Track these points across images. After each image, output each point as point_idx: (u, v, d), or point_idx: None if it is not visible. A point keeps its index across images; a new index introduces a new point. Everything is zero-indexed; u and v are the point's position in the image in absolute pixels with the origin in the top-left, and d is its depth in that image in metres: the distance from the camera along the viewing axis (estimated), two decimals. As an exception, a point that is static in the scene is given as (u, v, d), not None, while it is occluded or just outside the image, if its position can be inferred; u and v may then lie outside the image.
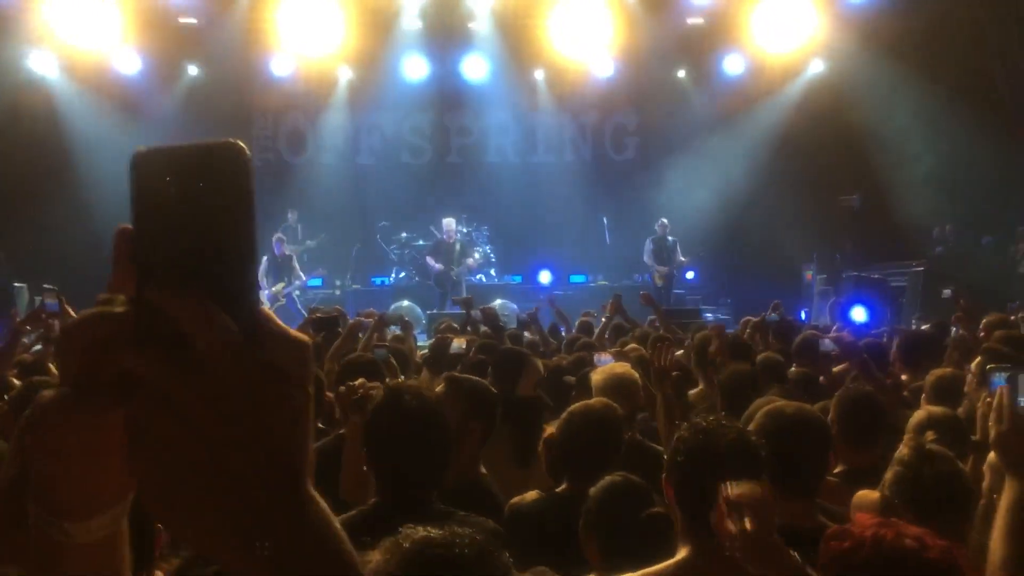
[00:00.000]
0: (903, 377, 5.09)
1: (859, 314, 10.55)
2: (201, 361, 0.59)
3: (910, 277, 12.92)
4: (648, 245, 14.72)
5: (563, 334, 9.27)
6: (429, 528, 1.33)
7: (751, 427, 2.66)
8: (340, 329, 7.16)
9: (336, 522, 0.65)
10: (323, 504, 0.64)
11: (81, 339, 0.61)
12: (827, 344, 5.81)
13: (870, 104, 14.86)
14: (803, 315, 13.70)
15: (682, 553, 2.24)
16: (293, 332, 0.64)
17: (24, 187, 14.36)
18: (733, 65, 16.11)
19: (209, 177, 0.59)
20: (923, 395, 4.19)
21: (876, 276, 12.86)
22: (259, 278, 12.55)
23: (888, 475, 2.49)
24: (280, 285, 13.73)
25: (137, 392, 0.59)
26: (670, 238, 14.68)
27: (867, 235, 15.03)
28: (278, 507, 0.61)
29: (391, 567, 1.27)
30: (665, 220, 14.78)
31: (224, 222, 0.59)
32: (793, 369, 5.10)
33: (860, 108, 15.02)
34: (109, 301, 0.62)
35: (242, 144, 0.59)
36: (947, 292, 11.13)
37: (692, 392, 5.17)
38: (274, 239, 14.01)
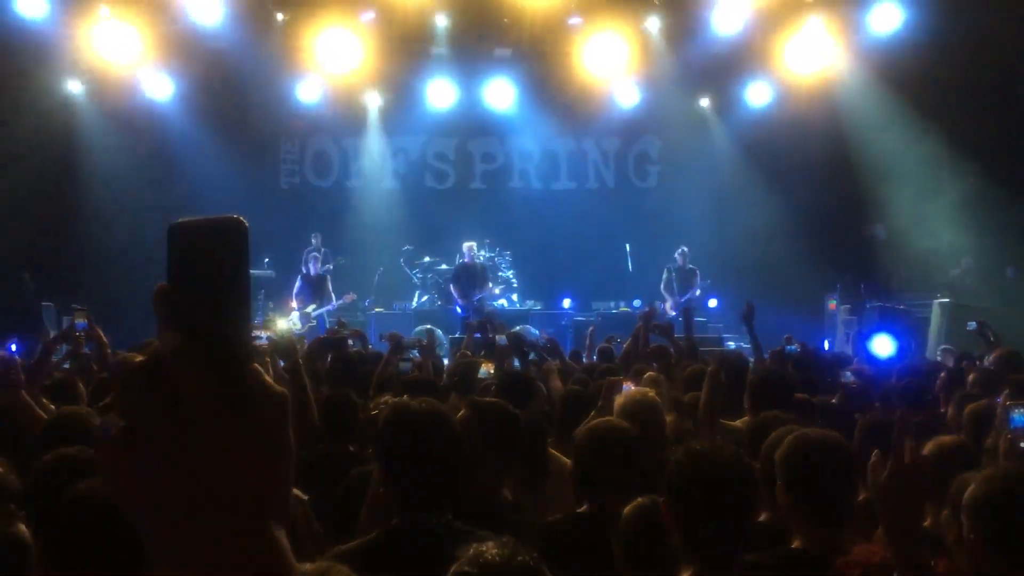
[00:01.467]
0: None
1: (881, 345, 10.41)
2: (190, 416, 0.68)
3: (936, 308, 12.81)
4: (664, 275, 14.72)
5: (583, 361, 9.25)
6: (483, 544, 1.36)
7: (777, 455, 2.66)
8: (362, 350, 7.19)
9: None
10: (285, 553, 0.71)
11: (113, 379, 0.71)
12: (847, 376, 5.76)
13: (895, 134, 14.83)
14: (826, 345, 13.61)
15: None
16: (274, 387, 0.72)
17: (52, 208, 14.64)
18: (756, 94, 16.15)
19: (220, 248, 0.69)
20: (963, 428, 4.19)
21: (901, 307, 12.76)
22: (292, 297, 12.71)
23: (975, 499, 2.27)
24: (312, 306, 13.86)
25: (139, 431, 0.68)
26: (688, 267, 14.65)
27: (892, 265, 14.96)
28: (236, 545, 0.68)
29: None
30: (685, 248, 14.75)
31: (229, 289, 0.69)
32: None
33: (885, 138, 15.00)
34: (143, 347, 0.70)
35: (244, 220, 0.69)
36: (972, 324, 11.01)
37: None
38: (306, 254, 14.19)
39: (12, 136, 14.17)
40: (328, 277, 14.28)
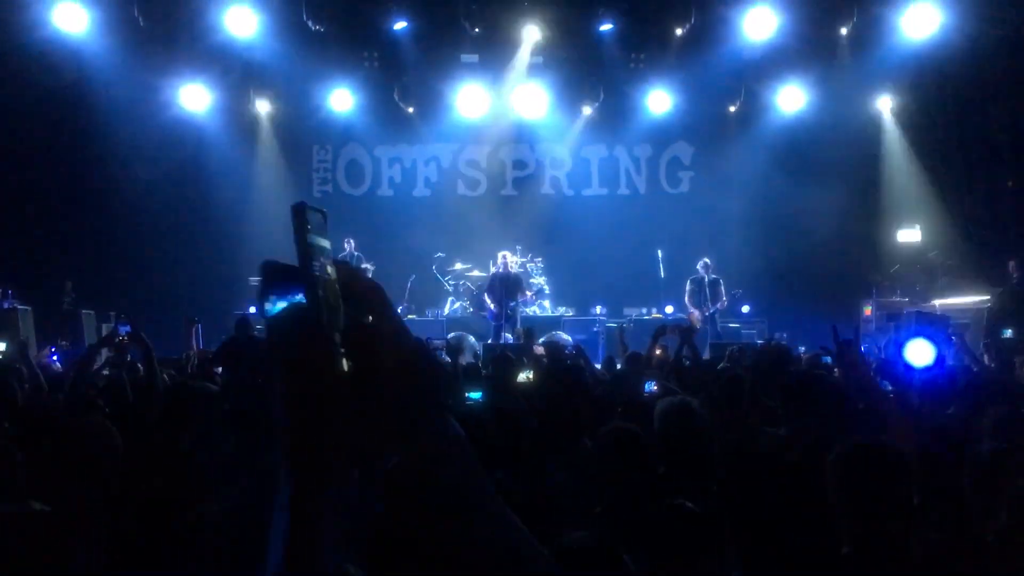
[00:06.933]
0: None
1: (917, 352, 10.21)
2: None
3: (974, 314, 12.64)
4: (687, 286, 14.60)
5: (618, 368, 9.24)
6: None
7: (829, 460, 2.66)
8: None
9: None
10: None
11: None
12: (885, 385, 5.67)
13: (933, 135, 14.68)
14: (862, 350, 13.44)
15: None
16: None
17: (91, 218, 14.92)
18: (789, 99, 16.04)
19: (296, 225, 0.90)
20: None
21: (938, 312, 12.59)
22: None
23: None
24: None
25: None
26: (712, 276, 14.53)
27: (929, 269, 14.79)
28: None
29: None
30: (707, 260, 14.63)
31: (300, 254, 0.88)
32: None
33: (922, 139, 14.86)
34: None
35: (300, 203, 0.90)
36: (1008, 332, 10.85)
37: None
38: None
39: (52, 148, 14.50)
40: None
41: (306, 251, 0.84)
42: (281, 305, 0.83)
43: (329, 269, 0.84)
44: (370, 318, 0.89)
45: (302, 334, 0.84)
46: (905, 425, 4.02)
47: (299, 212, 0.86)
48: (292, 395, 0.83)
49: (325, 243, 0.86)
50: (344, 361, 0.82)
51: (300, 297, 0.83)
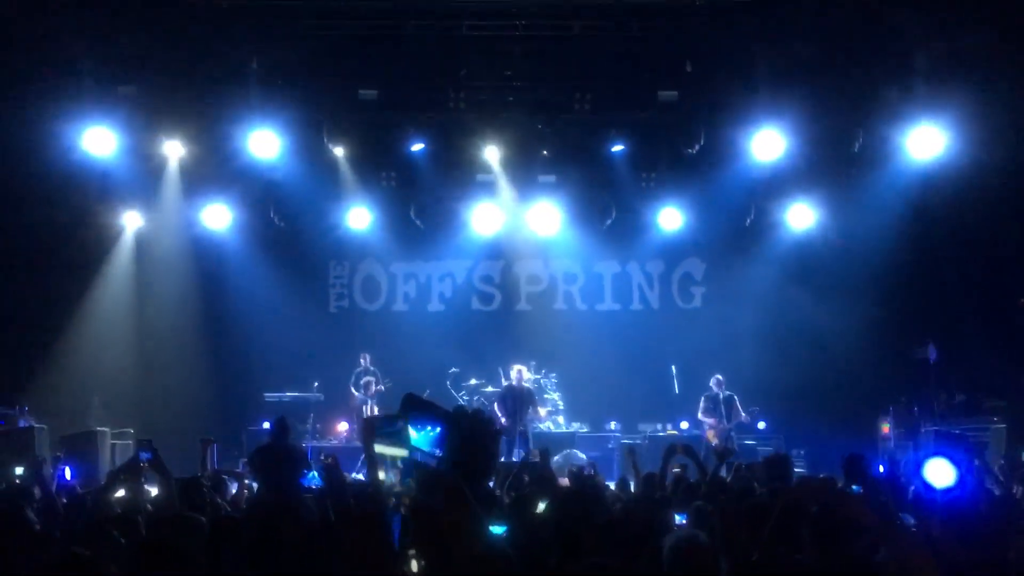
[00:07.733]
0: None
1: (938, 472, 10.02)
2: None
3: (992, 433, 12.50)
4: (701, 403, 14.57)
5: (632, 489, 9.11)
6: None
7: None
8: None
9: None
10: None
11: None
12: (908, 519, 5.55)
13: (943, 255, 14.80)
14: (881, 469, 13.24)
15: None
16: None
17: (111, 338, 15.14)
18: (799, 216, 16.25)
19: None
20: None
21: (957, 431, 12.45)
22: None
23: None
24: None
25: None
26: (726, 393, 14.50)
27: (947, 387, 14.70)
28: None
29: None
30: (720, 376, 14.61)
31: None
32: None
33: (932, 257, 14.97)
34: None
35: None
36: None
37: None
38: (356, 376, 14.94)
39: (71, 268, 14.84)
40: (370, 401, 14.80)
41: (372, 466, 0.88)
42: (412, 434, 0.85)
43: (380, 477, 0.88)
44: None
45: (368, 546, 0.87)
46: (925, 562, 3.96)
47: (367, 428, 0.90)
48: None
49: (395, 451, 0.89)
50: (414, 563, 0.83)
51: (433, 429, 0.86)
